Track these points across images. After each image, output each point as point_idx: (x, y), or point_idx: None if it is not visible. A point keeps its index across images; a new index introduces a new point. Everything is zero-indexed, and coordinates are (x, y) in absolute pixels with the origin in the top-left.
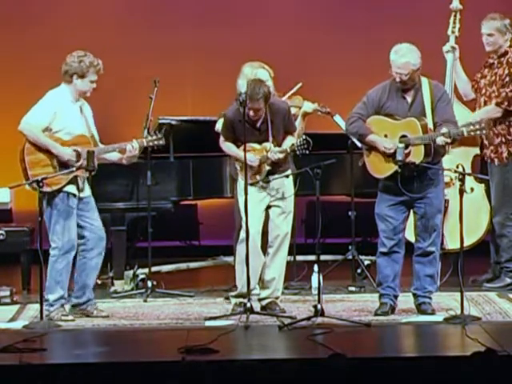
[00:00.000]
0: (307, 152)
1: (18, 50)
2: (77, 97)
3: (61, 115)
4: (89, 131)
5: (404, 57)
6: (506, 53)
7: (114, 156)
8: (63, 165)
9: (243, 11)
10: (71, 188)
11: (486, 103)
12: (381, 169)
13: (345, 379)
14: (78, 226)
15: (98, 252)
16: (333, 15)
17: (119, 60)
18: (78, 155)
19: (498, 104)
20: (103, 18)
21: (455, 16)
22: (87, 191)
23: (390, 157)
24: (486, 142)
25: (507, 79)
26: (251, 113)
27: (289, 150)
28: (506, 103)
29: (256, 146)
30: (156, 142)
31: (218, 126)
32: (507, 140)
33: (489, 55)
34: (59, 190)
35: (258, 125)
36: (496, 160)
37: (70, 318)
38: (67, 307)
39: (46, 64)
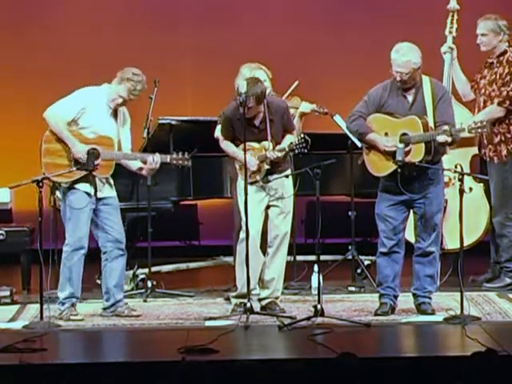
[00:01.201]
0: (305, 151)
1: (18, 50)
2: (109, 100)
3: (90, 113)
4: (117, 136)
5: (405, 55)
6: (505, 52)
7: (134, 165)
8: (76, 161)
9: (243, 11)
10: (85, 186)
11: (485, 103)
12: (380, 167)
13: (345, 379)
14: (96, 226)
15: (116, 254)
16: (333, 15)
17: (119, 60)
18: (97, 154)
19: (499, 103)
20: (103, 18)
21: (452, 16)
22: (107, 192)
23: (390, 156)
24: (485, 141)
25: (508, 78)
26: (241, 110)
27: (287, 149)
28: (507, 102)
29: (255, 144)
30: (181, 162)
31: (218, 134)
32: (506, 138)
33: (488, 55)
34: (73, 187)
35: (257, 123)
36: (495, 159)
37: (79, 317)
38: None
39: (46, 65)
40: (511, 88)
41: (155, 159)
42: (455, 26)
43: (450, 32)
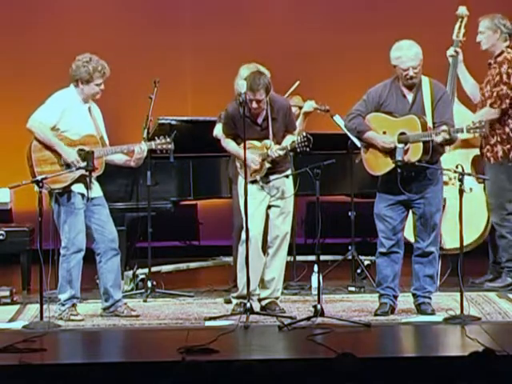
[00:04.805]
0: (308, 149)
1: (20, 51)
2: (86, 99)
3: (68, 115)
4: (98, 133)
5: (411, 49)
6: (501, 53)
7: (120, 159)
8: (68, 165)
9: (243, 11)
10: (79, 188)
11: (482, 103)
12: (377, 166)
13: (344, 379)
14: (89, 227)
15: (110, 255)
16: (332, 15)
17: (119, 60)
18: (85, 155)
19: (491, 105)
20: (103, 18)
21: (461, 22)
22: (97, 191)
23: (388, 154)
24: (482, 141)
25: (497, 78)
26: (254, 104)
27: (289, 148)
28: (498, 102)
29: (256, 143)
30: (165, 146)
31: (216, 133)
32: (502, 139)
33: (490, 56)
34: (66, 190)
35: (260, 121)
36: (492, 159)
37: (79, 317)
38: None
39: (47, 65)
40: (501, 88)
41: (142, 148)
42: (463, 31)
43: (457, 36)
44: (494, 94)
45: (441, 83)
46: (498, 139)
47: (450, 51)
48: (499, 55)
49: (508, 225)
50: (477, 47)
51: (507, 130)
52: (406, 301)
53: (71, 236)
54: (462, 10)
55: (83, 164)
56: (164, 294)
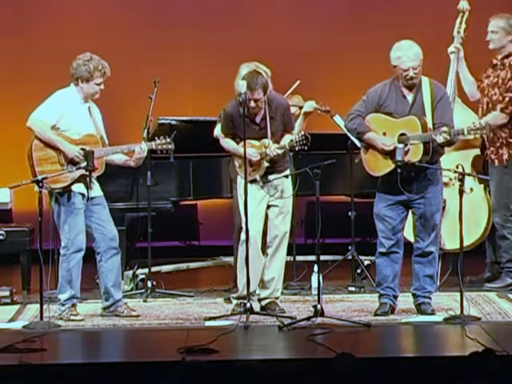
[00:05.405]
0: (306, 148)
1: (20, 51)
2: (85, 98)
3: (68, 115)
4: (98, 132)
5: (411, 49)
6: (509, 54)
7: (120, 159)
8: (71, 162)
9: (243, 11)
10: (79, 187)
11: (488, 105)
12: (377, 167)
13: (344, 379)
14: (89, 227)
15: (111, 254)
16: (332, 15)
17: (119, 60)
18: (86, 154)
19: (502, 110)
20: (103, 18)
21: (462, 17)
22: (97, 191)
23: (388, 155)
24: (486, 142)
25: (510, 83)
26: (252, 103)
27: (288, 146)
28: (510, 108)
29: (255, 142)
30: (165, 146)
31: (217, 133)
32: (508, 142)
33: (494, 55)
34: (66, 189)
35: (258, 121)
36: (496, 161)
37: (79, 317)
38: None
39: (46, 64)
40: None
41: (142, 148)
42: (464, 26)
43: (458, 32)
44: (506, 99)
45: (441, 83)
46: (504, 142)
47: (451, 48)
48: (506, 57)
49: (511, 226)
50: (477, 44)
51: None
52: (405, 301)
53: (71, 236)
54: (463, 5)
55: (83, 163)
56: (164, 294)
